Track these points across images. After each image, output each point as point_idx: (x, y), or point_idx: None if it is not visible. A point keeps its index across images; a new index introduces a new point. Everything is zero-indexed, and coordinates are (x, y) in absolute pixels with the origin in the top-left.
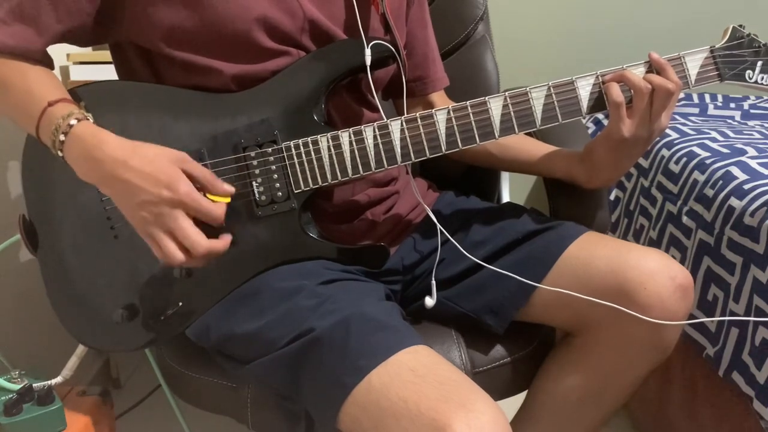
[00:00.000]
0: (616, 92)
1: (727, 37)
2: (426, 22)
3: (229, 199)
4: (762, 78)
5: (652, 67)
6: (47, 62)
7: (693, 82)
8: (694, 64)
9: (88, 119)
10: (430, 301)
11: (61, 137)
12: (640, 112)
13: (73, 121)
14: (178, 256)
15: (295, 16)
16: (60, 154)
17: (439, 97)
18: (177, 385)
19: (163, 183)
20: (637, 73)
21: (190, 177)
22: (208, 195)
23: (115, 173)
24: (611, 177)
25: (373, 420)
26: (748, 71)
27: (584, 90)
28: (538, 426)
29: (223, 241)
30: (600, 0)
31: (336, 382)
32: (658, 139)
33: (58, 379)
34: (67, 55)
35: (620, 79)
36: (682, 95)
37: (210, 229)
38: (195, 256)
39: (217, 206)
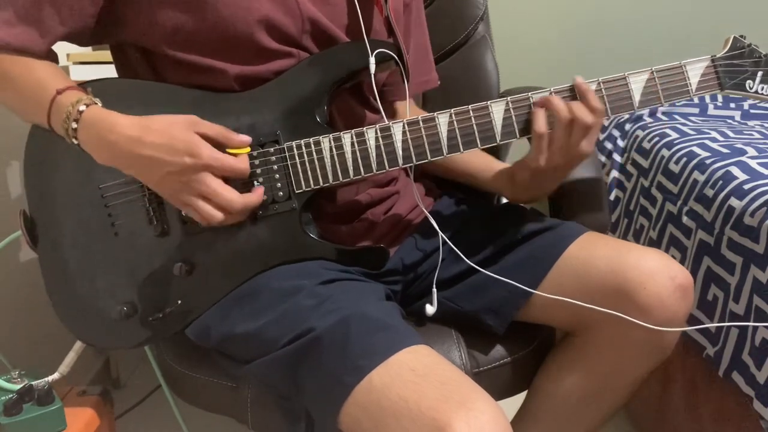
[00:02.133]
0: (540, 122)
1: (728, 46)
2: (410, 28)
3: (249, 149)
4: (762, 88)
5: (575, 93)
6: (52, 59)
7: (694, 91)
8: (695, 72)
9: (96, 103)
10: (430, 309)
11: (74, 125)
12: (559, 141)
13: (82, 107)
14: (217, 215)
15: (297, 17)
16: (75, 141)
17: (403, 107)
18: (177, 385)
19: (183, 151)
20: (563, 97)
21: (205, 137)
22: (227, 150)
23: (134, 151)
24: (534, 196)
25: (373, 420)
26: (749, 81)
27: None
28: (538, 426)
29: (257, 194)
30: (600, 0)
31: (336, 382)
32: (657, 139)
33: (55, 376)
34: (67, 55)
35: (546, 104)
36: None
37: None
38: (232, 212)
39: (240, 160)
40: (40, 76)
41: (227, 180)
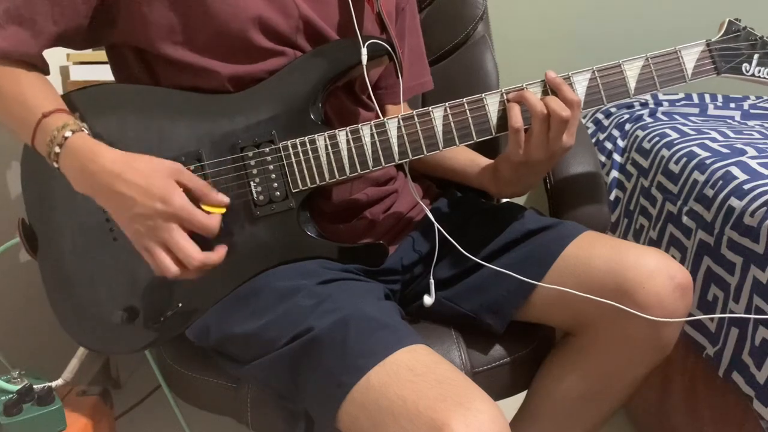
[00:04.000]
0: (515, 116)
1: (723, 30)
2: (405, 32)
3: (224, 210)
4: (758, 71)
5: (547, 87)
6: (43, 67)
7: (690, 76)
8: (690, 57)
9: (83, 130)
10: (428, 300)
11: (56, 149)
12: (537, 136)
13: (68, 133)
14: (173, 268)
15: (290, 16)
16: (56, 165)
17: (396, 110)
18: (177, 385)
19: (157, 196)
20: (535, 92)
21: (185, 188)
22: (203, 206)
23: (110, 186)
24: (517, 191)
25: (371, 419)
26: (745, 64)
27: (580, 86)
28: (537, 426)
29: (218, 254)
30: (600, 0)
31: (335, 382)
32: (657, 139)
33: (59, 382)
34: (67, 55)
35: (520, 99)
36: (681, 95)
37: (206, 239)
38: (189, 269)
39: (211, 218)
40: (28, 93)
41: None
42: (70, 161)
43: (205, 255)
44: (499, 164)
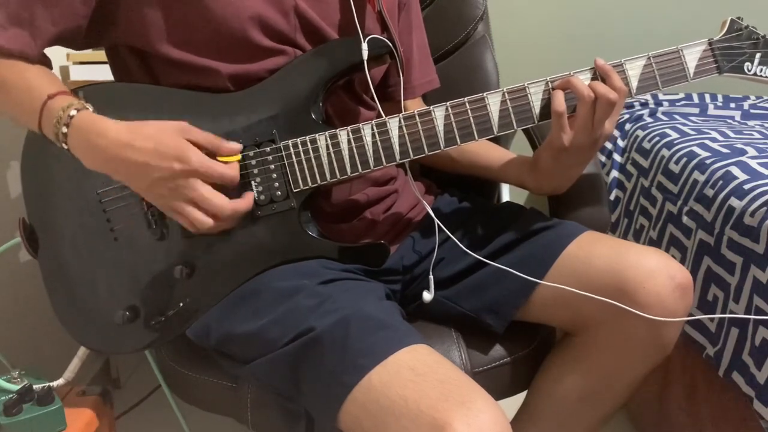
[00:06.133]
0: (558, 101)
1: (725, 29)
2: (412, 27)
3: (239, 157)
4: (761, 70)
5: (597, 74)
6: (45, 63)
7: (692, 76)
8: (692, 57)
9: (87, 108)
10: (427, 296)
11: (64, 129)
12: (583, 120)
13: (73, 112)
14: (207, 221)
15: (289, 15)
16: (65, 146)
17: (414, 104)
18: (177, 385)
19: (173, 156)
20: (583, 79)
21: (195, 144)
22: (218, 157)
23: (123, 156)
24: (560, 184)
25: (373, 419)
26: (747, 63)
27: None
28: (538, 425)
29: (246, 199)
30: (600, 0)
31: (336, 382)
32: (658, 139)
33: (60, 381)
34: (67, 55)
35: (566, 86)
36: (681, 95)
37: (227, 192)
38: (222, 219)
39: (230, 167)
40: (32, 80)
41: (220, 188)
42: (77, 139)
43: (235, 202)
44: (540, 155)
